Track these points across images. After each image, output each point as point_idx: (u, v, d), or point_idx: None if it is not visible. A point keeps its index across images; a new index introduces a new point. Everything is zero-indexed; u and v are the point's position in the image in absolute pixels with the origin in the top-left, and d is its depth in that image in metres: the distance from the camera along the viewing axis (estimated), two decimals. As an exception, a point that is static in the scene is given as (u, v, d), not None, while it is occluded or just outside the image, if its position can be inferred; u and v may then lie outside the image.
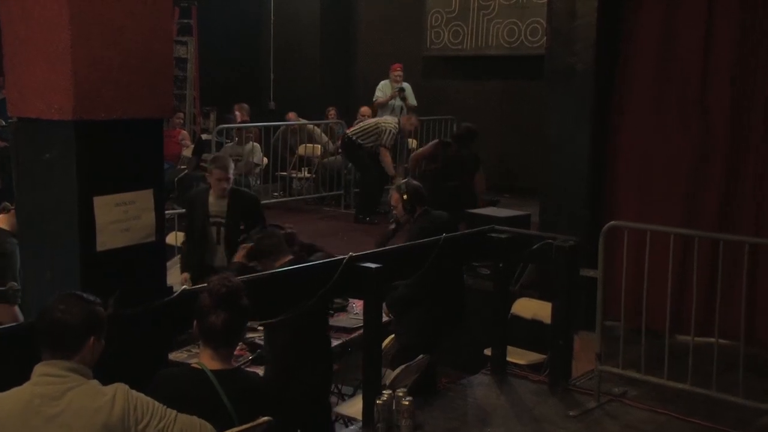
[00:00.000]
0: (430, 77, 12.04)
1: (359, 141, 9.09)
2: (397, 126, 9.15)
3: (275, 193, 10.00)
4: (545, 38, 6.45)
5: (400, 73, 10.29)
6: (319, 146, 10.40)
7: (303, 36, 12.86)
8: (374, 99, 10.40)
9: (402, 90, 10.20)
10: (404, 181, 5.61)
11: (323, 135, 10.57)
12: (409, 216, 5.36)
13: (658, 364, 4.42)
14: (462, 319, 5.36)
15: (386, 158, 9.08)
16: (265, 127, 10.07)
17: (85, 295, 2.57)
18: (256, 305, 3.03)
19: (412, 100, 10.40)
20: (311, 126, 10.48)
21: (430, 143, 8.62)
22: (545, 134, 6.19)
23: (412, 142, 10.22)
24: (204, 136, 10.50)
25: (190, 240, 5.81)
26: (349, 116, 10.89)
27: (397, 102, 10.27)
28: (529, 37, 10.59)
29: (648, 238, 4.62)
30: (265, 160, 9.85)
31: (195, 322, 2.89)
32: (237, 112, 10.37)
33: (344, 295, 5.47)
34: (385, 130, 9.06)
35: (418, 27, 11.85)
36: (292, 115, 10.92)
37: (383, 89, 10.43)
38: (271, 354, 4.32)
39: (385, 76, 10.50)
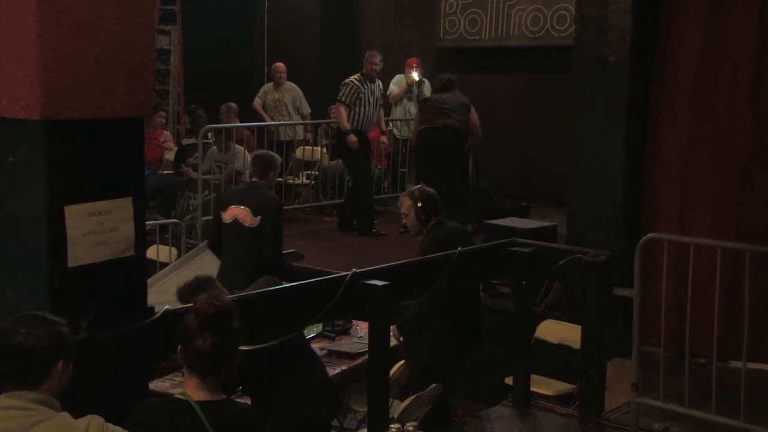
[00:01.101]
0: (444, 71, 12.01)
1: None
2: (358, 79, 9.03)
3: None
4: (574, 27, 6.43)
5: (417, 68, 10.43)
6: (319, 149, 10.43)
7: (301, 25, 12.90)
8: (388, 93, 10.44)
9: (420, 80, 10.29)
10: (417, 186, 5.61)
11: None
12: (422, 226, 5.36)
13: (705, 395, 4.40)
14: (479, 344, 5.35)
15: (338, 113, 9.01)
16: (258, 127, 10.09)
17: (46, 315, 2.57)
18: (247, 328, 3.03)
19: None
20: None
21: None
22: (573, 135, 6.18)
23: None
24: (186, 141, 10.51)
25: None
26: (353, 115, 10.90)
27: (414, 91, 10.36)
28: (556, 26, 10.60)
29: (691, 253, 4.60)
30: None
31: (179, 347, 2.89)
32: (223, 114, 10.34)
33: (347, 317, 5.47)
34: (345, 85, 9.03)
35: (429, 14, 11.87)
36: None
37: (398, 83, 10.49)
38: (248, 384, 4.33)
39: (394, 70, 10.54)
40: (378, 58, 9.23)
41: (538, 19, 10.77)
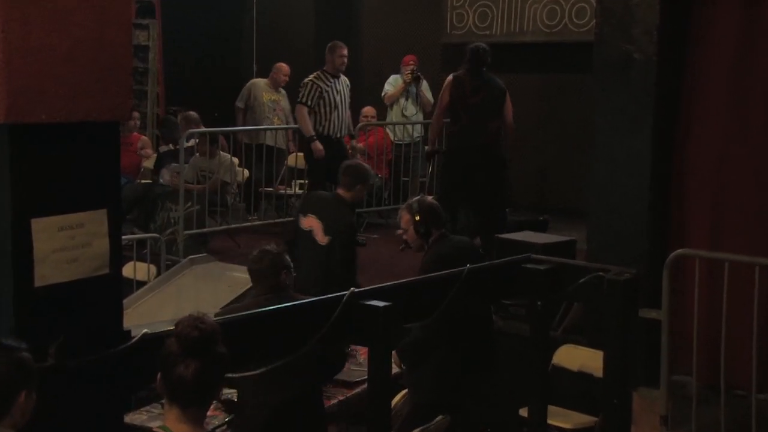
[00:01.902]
0: (451, 69, 11.95)
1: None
2: (318, 77, 8.90)
3: (253, 216, 10.00)
4: (594, 20, 6.45)
5: (412, 64, 10.41)
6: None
7: (293, 19, 12.94)
8: (383, 94, 10.47)
9: (417, 76, 10.28)
10: (416, 198, 5.62)
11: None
12: (423, 242, 5.37)
13: (742, 430, 4.38)
14: (491, 371, 5.34)
15: (300, 116, 8.87)
16: (247, 132, 10.11)
17: (6, 340, 2.56)
18: (233, 354, 3.02)
19: (429, 96, 10.47)
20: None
21: (443, 91, 8.37)
22: (594, 141, 6.18)
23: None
24: (164, 148, 10.51)
25: None
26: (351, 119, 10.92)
27: (412, 89, 10.36)
28: (575, 20, 10.63)
29: (726, 270, 4.61)
30: (246, 173, 9.87)
31: (159, 375, 2.88)
32: (182, 126, 10.18)
33: (344, 341, 5.46)
34: (301, 85, 8.93)
35: (435, 7, 11.91)
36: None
37: (394, 83, 10.51)
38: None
39: (394, 69, 10.56)
40: (345, 50, 9.13)
41: (555, 13, 10.79)
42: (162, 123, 11.67)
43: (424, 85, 10.53)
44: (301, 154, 10.49)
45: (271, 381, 4.26)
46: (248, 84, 11.00)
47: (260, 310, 3.98)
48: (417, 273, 5.08)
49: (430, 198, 5.62)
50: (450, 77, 8.34)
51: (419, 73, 10.43)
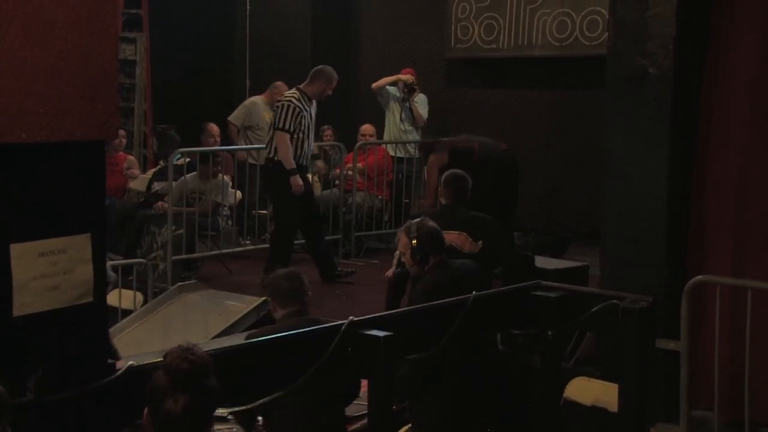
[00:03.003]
0: (455, 85, 12.11)
1: (273, 156, 8.64)
2: (299, 98, 8.60)
3: (246, 240, 9.99)
4: (607, 33, 6.46)
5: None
6: (309, 177, 10.43)
7: (288, 32, 12.97)
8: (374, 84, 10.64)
9: (410, 87, 10.31)
10: (417, 220, 5.62)
11: None
12: (419, 268, 5.38)
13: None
14: (498, 405, 5.32)
15: (284, 145, 8.47)
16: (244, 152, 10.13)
17: None
18: (224, 388, 3.00)
19: (424, 111, 10.52)
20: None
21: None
22: (608, 160, 6.18)
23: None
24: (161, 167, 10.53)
25: None
26: (349, 138, 10.95)
27: (399, 95, 10.38)
28: (587, 33, 10.66)
29: (749, 298, 4.59)
30: (239, 194, 9.87)
31: (146, 410, 2.86)
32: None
33: (343, 373, 5.43)
34: (278, 107, 8.63)
35: (439, 20, 11.96)
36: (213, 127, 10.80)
37: (391, 78, 10.59)
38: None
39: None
40: (336, 83, 8.95)
41: (566, 25, 10.82)
42: (160, 137, 11.71)
43: (419, 98, 10.53)
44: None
45: (302, 411, 4.34)
46: (247, 103, 11.00)
47: (251, 341, 3.98)
48: (407, 303, 5.08)
49: (431, 221, 5.61)
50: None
51: (416, 86, 10.47)
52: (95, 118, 3.11)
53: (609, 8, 6.25)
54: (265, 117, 10.57)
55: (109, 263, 4.72)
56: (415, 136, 10.60)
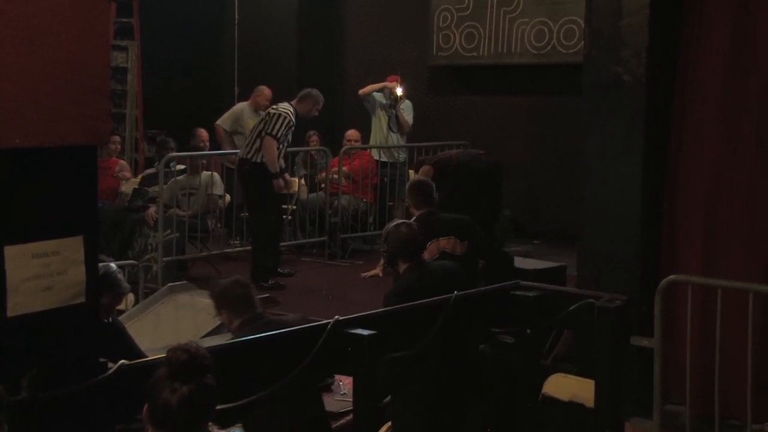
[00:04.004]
0: (437, 92, 12.12)
1: (252, 158, 8.69)
2: (293, 114, 8.71)
3: (234, 241, 9.98)
4: (583, 42, 6.47)
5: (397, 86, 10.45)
6: (296, 180, 10.44)
7: (275, 40, 12.96)
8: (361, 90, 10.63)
9: (396, 96, 10.30)
10: (392, 225, 5.61)
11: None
12: (395, 271, 5.39)
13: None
14: (478, 402, 5.31)
15: (269, 149, 8.54)
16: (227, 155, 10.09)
17: None
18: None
19: (409, 117, 10.52)
20: None
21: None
22: (584, 164, 6.19)
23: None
24: (149, 171, 10.50)
25: None
26: (334, 143, 10.94)
27: (385, 101, 10.36)
28: (563, 41, 10.69)
29: (719, 297, 4.60)
30: (228, 197, 9.86)
31: (146, 405, 2.84)
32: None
33: (328, 371, 5.43)
34: (275, 115, 8.69)
35: (421, 29, 11.97)
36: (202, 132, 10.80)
37: (378, 98, 10.56)
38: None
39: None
40: (322, 105, 9.08)
41: (543, 34, 10.85)
42: (157, 144, 11.66)
43: (407, 106, 10.54)
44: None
45: (286, 408, 4.33)
46: (236, 109, 10.98)
47: (238, 339, 3.97)
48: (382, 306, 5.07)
49: (404, 226, 5.59)
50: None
51: (401, 97, 10.45)
52: (87, 124, 3.10)
53: (585, 18, 6.26)
54: (249, 123, 10.58)
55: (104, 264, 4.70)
56: (401, 141, 10.60)
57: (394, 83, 10.51)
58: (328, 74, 12.85)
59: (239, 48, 12.99)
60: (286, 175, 9.16)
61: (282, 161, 8.89)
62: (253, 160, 8.60)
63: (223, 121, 10.79)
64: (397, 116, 10.42)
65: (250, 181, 8.81)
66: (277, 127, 8.58)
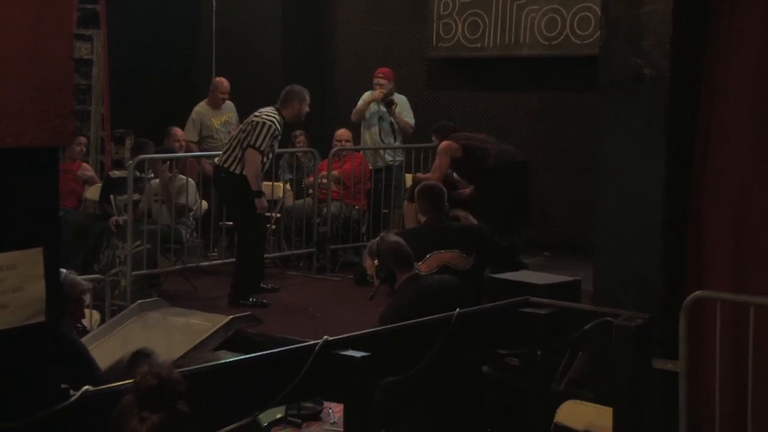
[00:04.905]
0: (437, 86, 12.13)
1: (230, 167, 8.47)
2: (279, 121, 8.46)
3: (213, 253, 9.96)
4: (599, 32, 6.49)
5: (384, 81, 10.41)
6: (281, 185, 10.43)
7: (257, 31, 12.97)
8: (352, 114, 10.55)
9: (389, 98, 10.29)
10: (379, 237, 5.63)
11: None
12: (389, 286, 5.39)
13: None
14: (482, 430, 5.31)
15: (251, 163, 8.31)
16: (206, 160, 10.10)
17: None
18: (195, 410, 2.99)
19: (409, 117, 10.51)
20: None
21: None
22: (600, 167, 6.20)
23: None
24: (115, 173, 10.47)
25: None
26: (323, 143, 10.96)
27: (381, 109, 10.37)
28: (577, 31, 10.70)
29: (752, 315, 4.60)
30: (205, 204, 9.83)
31: (113, 436, 2.83)
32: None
33: (317, 397, 5.43)
34: (259, 124, 8.38)
35: (419, 17, 11.97)
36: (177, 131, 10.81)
37: (366, 99, 10.54)
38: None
39: (368, 87, 10.59)
40: (308, 98, 8.81)
41: (555, 23, 10.86)
42: (134, 146, 11.62)
43: (403, 104, 10.54)
44: (268, 183, 10.43)
45: None
46: (193, 115, 10.96)
47: (221, 361, 3.97)
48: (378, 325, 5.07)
49: (389, 235, 5.60)
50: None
51: (392, 98, 10.41)
52: (47, 123, 3.09)
53: (601, 5, 6.28)
54: (214, 123, 10.58)
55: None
56: (396, 142, 10.62)
57: (384, 83, 10.47)
58: (315, 68, 12.85)
59: (217, 36, 12.99)
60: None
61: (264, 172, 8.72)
62: (232, 170, 8.40)
63: (189, 134, 10.81)
64: (392, 123, 10.39)
65: (227, 193, 8.73)
66: (261, 138, 8.32)
